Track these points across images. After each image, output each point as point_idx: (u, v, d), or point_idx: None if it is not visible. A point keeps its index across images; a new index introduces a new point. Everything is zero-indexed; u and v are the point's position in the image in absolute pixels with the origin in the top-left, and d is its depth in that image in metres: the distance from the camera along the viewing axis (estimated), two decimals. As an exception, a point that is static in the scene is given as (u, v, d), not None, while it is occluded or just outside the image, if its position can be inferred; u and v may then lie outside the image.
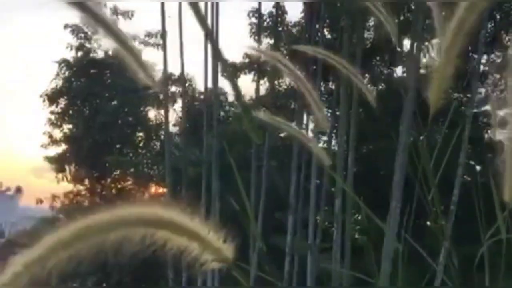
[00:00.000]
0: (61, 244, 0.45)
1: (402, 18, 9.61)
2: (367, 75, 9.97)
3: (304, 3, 8.41)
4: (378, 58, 10.07)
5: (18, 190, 40.46)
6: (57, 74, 12.02)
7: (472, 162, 9.74)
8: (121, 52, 0.75)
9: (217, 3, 6.66)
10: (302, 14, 9.22)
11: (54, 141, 12.42)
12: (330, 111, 9.13)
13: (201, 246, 0.48)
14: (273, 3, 8.99)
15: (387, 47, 9.93)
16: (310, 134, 7.87)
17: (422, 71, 9.84)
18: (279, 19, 9.29)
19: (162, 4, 6.08)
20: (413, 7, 7.92)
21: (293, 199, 6.41)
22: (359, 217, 9.47)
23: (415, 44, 5.19)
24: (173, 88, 11.35)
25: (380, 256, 4.26)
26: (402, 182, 4.62)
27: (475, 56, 8.18)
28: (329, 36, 9.53)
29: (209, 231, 0.48)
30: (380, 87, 10.34)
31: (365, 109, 9.43)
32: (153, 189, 12.15)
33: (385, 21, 1.29)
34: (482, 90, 10.02)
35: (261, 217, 6.24)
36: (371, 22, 9.99)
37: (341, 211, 5.25)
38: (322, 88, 9.68)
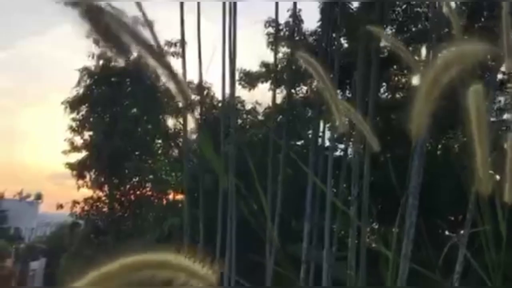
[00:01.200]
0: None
1: (419, 26, 9.62)
2: (384, 83, 9.97)
3: (321, 13, 8.50)
4: (395, 66, 10.06)
5: (38, 197, 41.16)
6: (79, 82, 12.31)
7: (491, 171, 9.63)
8: (163, 74, 0.81)
9: (234, 13, 6.77)
10: (319, 23, 9.30)
11: (75, 148, 12.70)
12: (346, 118, 9.12)
13: (189, 276, 0.59)
14: (290, 13, 9.08)
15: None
16: (327, 142, 7.90)
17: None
18: (296, 29, 9.38)
19: (182, 14, 6.21)
20: (430, 15, 7.92)
21: (309, 207, 6.43)
22: (376, 226, 9.43)
23: (431, 52, 5.20)
24: (192, 96, 11.53)
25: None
26: (418, 189, 4.62)
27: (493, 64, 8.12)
28: (346, 45, 9.58)
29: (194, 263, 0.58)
30: (397, 95, 10.33)
31: (383, 117, 9.42)
32: (171, 195, 12.30)
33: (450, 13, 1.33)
34: (502, 98, 9.93)
35: (277, 225, 6.28)
36: (388, 31, 10.02)
37: (356, 218, 5.27)
38: (339, 96, 9.72)
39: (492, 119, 9.84)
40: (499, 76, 9.56)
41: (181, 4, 6.15)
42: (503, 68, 9.75)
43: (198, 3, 6.64)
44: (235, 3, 6.74)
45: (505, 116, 9.88)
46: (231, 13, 6.70)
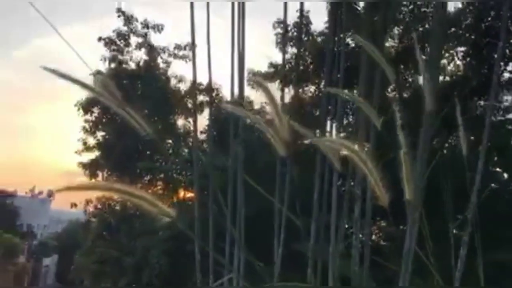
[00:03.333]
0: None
1: (426, 26, 9.69)
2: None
3: (328, 14, 8.61)
4: (402, 66, 10.15)
5: (50, 194, 41.58)
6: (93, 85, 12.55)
7: (499, 169, 9.70)
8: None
9: (243, 14, 6.91)
10: (327, 24, 9.42)
11: (88, 148, 12.98)
12: (353, 118, 9.26)
13: (156, 210, 0.94)
14: (298, 13, 9.20)
15: (412, 55, 10.02)
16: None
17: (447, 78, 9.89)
18: (304, 29, 9.51)
19: (192, 18, 6.37)
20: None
21: (316, 205, 6.57)
22: (384, 224, 9.55)
23: (434, 52, 5.30)
24: (201, 97, 11.73)
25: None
26: (420, 189, 4.73)
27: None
28: (353, 45, 9.69)
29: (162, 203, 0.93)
30: (405, 95, 10.41)
31: (388, 117, 9.52)
32: (181, 194, 12.51)
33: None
34: (509, 98, 9.98)
35: (284, 223, 6.42)
36: (395, 31, 10.11)
37: (360, 216, 5.39)
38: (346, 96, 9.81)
39: (500, 118, 9.88)
40: (506, 75, 9.61)
41: (192, 6, 6.30)
42: (510, 67, 9.79)
43: (208, 4, 6.77)
44: (243, 4, 6.88)
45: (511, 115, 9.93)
46: (240, 14, 6.84)
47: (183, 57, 12.60)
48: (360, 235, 5.78)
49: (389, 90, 10.25)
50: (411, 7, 9.54)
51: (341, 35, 8.21)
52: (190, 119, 12.75)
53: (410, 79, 10.29)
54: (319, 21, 10.57)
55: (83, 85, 1.08)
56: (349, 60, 8.39)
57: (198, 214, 6.89)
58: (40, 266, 31.74)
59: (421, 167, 4.76)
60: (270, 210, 6.68)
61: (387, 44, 9.48)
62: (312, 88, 10.86)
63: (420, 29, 9.75)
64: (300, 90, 10.23)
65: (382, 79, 7.13)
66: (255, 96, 11.72)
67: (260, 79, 1.33)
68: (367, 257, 5.14)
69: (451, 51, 9.58)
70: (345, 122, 9.18)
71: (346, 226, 7.56)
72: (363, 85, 6.51)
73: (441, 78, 9.30)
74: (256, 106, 11.67)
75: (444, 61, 9.21)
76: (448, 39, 8.85)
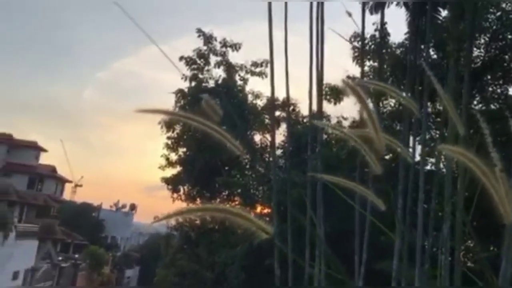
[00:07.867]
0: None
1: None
2: (477, 94, 9.51)
3: (408, 25, 8.36)
4: (489, 76, 9.56)
5: (132, 207, 43.85)
6: (176, 103, 13.16)
7: None
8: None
9: (322, 29, 6.92)
10: (406, 36, 9.15)
11: (170, 163, 13.54)
12: (437, 132, 8.85)
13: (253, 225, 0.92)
14: (375, 26, 9.03)
15: (500, 65, 9.42)
16: (417, 156, 7.68)
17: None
18: (382, 42, 9.29)
19: (271, 36, 6.50)
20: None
21: (400, 223, 6.33)
22: (471, 244, 8.94)
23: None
24: (277, 113, 11.86)
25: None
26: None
27: None
28: (435, 56, 9.31)
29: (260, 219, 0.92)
30: (492, 106, 9.79)
31: (476, 130, 8.97)
32: (258, 209, 12.60)
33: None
34: None
35: (366, 241, 6.25)
36: (482, 39, 9.57)
37: (449, 236, 5.10)
38: (429, 109, 9.43)
39: None
40: None
41: (270, 26, 6.42)
42: None
43: (285, 23, 6.87)
44: (322, 21, 6.89)
45: None
46: (318, 29, 6.85)
47: (259, 74, 12.88)
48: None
49: (475, 102, 9.70)
50: (498, 14, 8.99)
51: (423, 47, 7.93)
52: (267, 135, 12.90)
53: (498, 90, 9.66)
54: (398, 33, 10.29)
55: (178, 116, 1.08)
56: (432, 72, 8.06)
57: (276, 230, 6.90)
58: (123, 277, 33.22)
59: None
60: (352, 228, 6.52)
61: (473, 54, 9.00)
62: (392, 102, 10.55)
63: (509, 37, 9.16)
64: (380, 104, 9.97)
65: (469, 90, 6.78)
66: (331, 110, 11.60)
67: (355, 86, 1.21)
68: (457, 280, 4.85)
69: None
70: (427, 136, 8.79)
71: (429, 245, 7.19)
72: (449, 97, 6.22)
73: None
74: (333, 121, 11.53)
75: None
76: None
